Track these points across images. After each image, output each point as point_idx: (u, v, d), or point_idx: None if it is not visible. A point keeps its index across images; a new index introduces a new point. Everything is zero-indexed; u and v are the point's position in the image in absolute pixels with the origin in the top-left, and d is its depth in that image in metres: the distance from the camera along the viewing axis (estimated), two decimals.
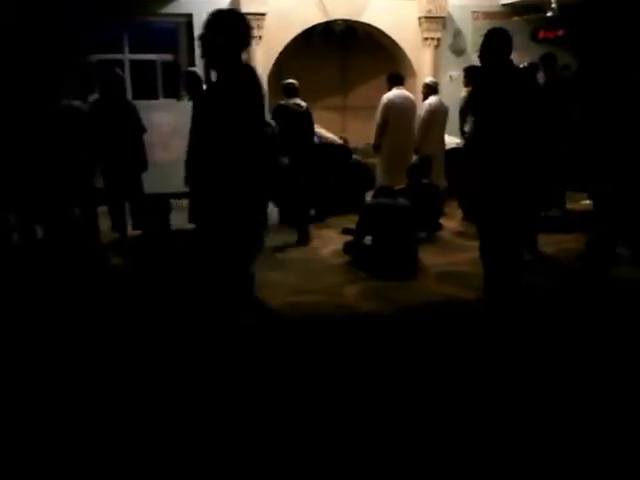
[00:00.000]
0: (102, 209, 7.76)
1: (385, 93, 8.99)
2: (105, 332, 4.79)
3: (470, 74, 8.34)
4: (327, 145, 9.00)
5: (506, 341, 4.50)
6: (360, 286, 5.87)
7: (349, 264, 6.52)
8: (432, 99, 8.78)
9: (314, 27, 10.89)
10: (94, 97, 8.70)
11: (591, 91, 6.93)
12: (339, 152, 9.09)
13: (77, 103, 7.37)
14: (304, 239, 7.51)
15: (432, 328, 4.82)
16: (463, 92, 8.73)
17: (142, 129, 7.52)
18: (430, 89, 8.90)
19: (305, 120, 8.30)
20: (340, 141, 9.32)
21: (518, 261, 5.14)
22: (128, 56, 10.30)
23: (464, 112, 8.07)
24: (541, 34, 11.32)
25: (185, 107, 7.89)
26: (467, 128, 8.00)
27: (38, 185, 6.95)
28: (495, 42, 4.91)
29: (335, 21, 11.01)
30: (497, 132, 4.89)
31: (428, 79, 9.31)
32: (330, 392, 3.81)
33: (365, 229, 6.53)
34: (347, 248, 6.70)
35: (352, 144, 10.21)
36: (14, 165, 6.87)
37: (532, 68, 7.56)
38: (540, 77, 7.68)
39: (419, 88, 9.49)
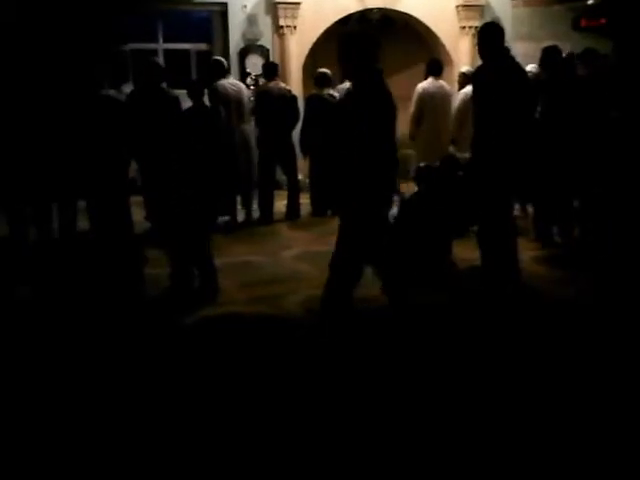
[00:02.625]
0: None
1: (421, 82, 8.87)
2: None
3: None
4: None
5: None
6: None
7: None
8: (468, 89, 8.58)
9: (350, 16, 10.76)
10: (128, 87, 8.75)
11: (627, 87, 6.74)
12: None
13: (113, 93, 7.36)
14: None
15: (454, 323, 4.77)
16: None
17: None
18: (466, 78, 8.71)
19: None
20: None
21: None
22: (162, 45, 10.32)
23: None
24: (583, 22, 11.01)
25: None
26: None
27: (76, 175, 6.96)
28: (489, 36, 5.24)
29: (371, 10, 10.86)
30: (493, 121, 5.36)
31: (464, 68, 9.13)
32: (341, 388, 3.82)
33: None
34: None
35: None
36: (53, 155, 6.87)
37: (571, 58, 7.37)
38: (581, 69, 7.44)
39: (456, 77, 9.33)
